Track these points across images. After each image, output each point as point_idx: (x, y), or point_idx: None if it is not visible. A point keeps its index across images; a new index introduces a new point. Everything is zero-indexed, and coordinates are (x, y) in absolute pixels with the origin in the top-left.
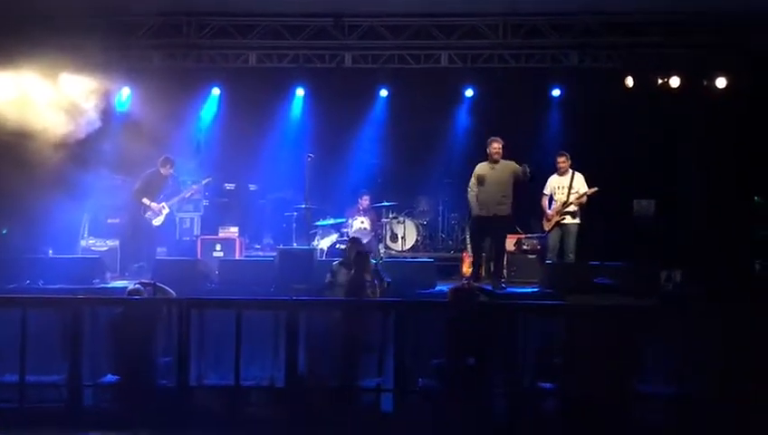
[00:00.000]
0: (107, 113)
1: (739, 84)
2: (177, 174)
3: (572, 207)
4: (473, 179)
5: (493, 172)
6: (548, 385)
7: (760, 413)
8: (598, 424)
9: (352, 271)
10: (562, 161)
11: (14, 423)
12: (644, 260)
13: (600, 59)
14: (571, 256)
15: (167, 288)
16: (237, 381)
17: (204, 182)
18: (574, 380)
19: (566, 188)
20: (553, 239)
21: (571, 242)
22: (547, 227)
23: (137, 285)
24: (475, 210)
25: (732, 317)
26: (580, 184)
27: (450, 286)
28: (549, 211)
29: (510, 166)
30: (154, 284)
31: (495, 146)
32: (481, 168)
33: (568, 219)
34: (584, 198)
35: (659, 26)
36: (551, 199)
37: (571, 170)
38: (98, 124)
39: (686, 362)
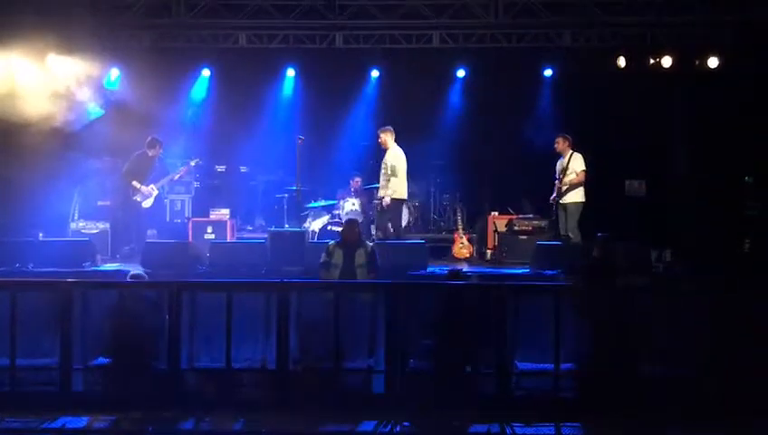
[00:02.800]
0: (96, 95)
1: (730, 64)
2: (164, 156)
3: (566, 186)
4: None
5: (383, 160)
6: (538, 365)
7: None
8: (587, 402)
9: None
10: (557, 142)
11: (4, 406)
12: (635, 240)
13: (592, 39)
14: (572, 235)
15: None
16: (229, 364)
17: (192, 163)
18: (563, 359)
19: (564, 168)
20: (560, 221)
21: (571, 221)
22: (553, 209)
23: (138, 271)
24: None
25: (720, 297)
26: (577, 164)
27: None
28: (554, 193)
29: (389, 153)
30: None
31: (378, 136)
32: None
33: (565, 199)
34: (576, 177)
35: (652, 6)
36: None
37: (570, 151)
38: (87, 106)
39: (675, 341)
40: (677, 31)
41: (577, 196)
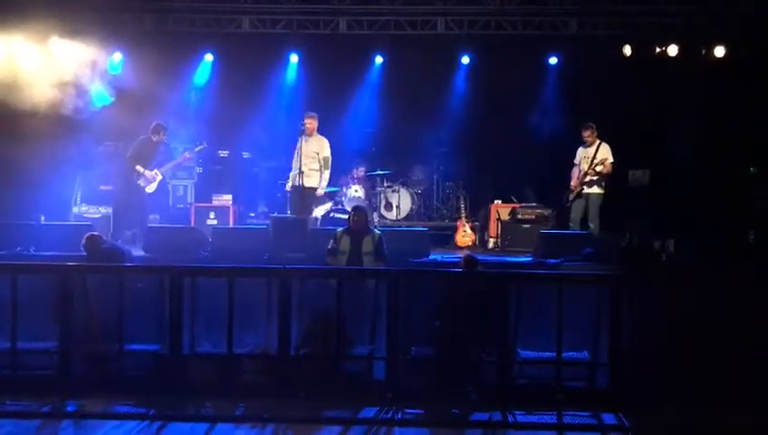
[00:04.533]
0: (100, 80)
1: (737, 53)
2: (168, 141)
3: (594, 177)
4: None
5: (306, 145)
6: (540, 353)
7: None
8: (586, 390)
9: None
10: (587, 135)
11: (5, 390)
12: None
13: (598, 27)
14: (592, 225)
15: None
16: (230, 349)
17: (197, 149)
18: (564, 348)
19: (590, 158)
20: (575, 209)
21: (593, 211)
22: (571, 197)
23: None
24: (290, 181)
25: (712, 284)
26: (604, 154)
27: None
28: (573, 181)
29: (318, 142)
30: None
31: (306, 121)
32: (300, 139)
33: (590, 189)
34: (605, 166)
35: None
36: (579, 170)
37: (598, 141)
38: (91, 91)
39: (668, 326)
40: (684, 20)
41: (601, 187)
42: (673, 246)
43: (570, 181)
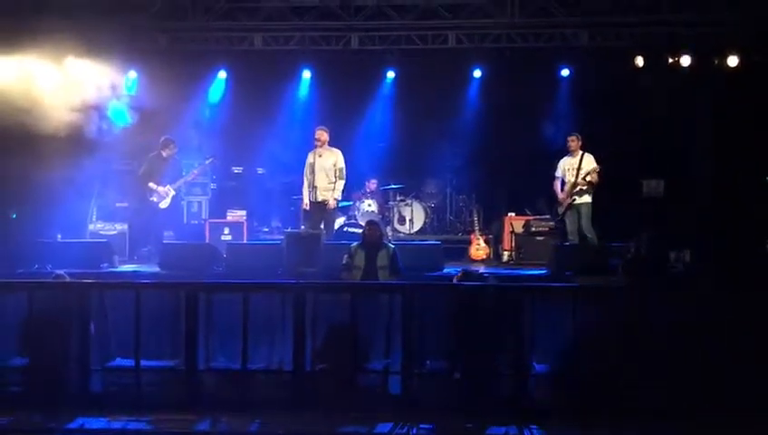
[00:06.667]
0: (116, 99)
1: (751, 63)
2: (180, 156)
3: (584, 187)
4: (306, 167)
5: (320, 160)
6: (554, 366)
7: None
8: (602, 405)
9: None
10: (572, 140)
11: (20, 407)
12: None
13: (609, 38)
14: (589, 235)
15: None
16: (245, 365)
17: (207, 162)
18: (580, 361)
19: (575, 169)
20: (570, 222)
21: (585, 222)
22: (561, 210)
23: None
24: (308, 196)
25: (731, 297)
26: (590, 163)
27: (460, 269)
28: (560, 194)
29: (333, 154)
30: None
31: (318, 134)
32: (310, 155)
33: (579, 200)
34: (592, 176)
35: (670, 4)
36: (563, 182)
37: (581, 151)
38: (108, 110)
39: (688, 342)
40: (697, 30)
41: (589, 196)
42: (689, 257)
43: (556, 196)
